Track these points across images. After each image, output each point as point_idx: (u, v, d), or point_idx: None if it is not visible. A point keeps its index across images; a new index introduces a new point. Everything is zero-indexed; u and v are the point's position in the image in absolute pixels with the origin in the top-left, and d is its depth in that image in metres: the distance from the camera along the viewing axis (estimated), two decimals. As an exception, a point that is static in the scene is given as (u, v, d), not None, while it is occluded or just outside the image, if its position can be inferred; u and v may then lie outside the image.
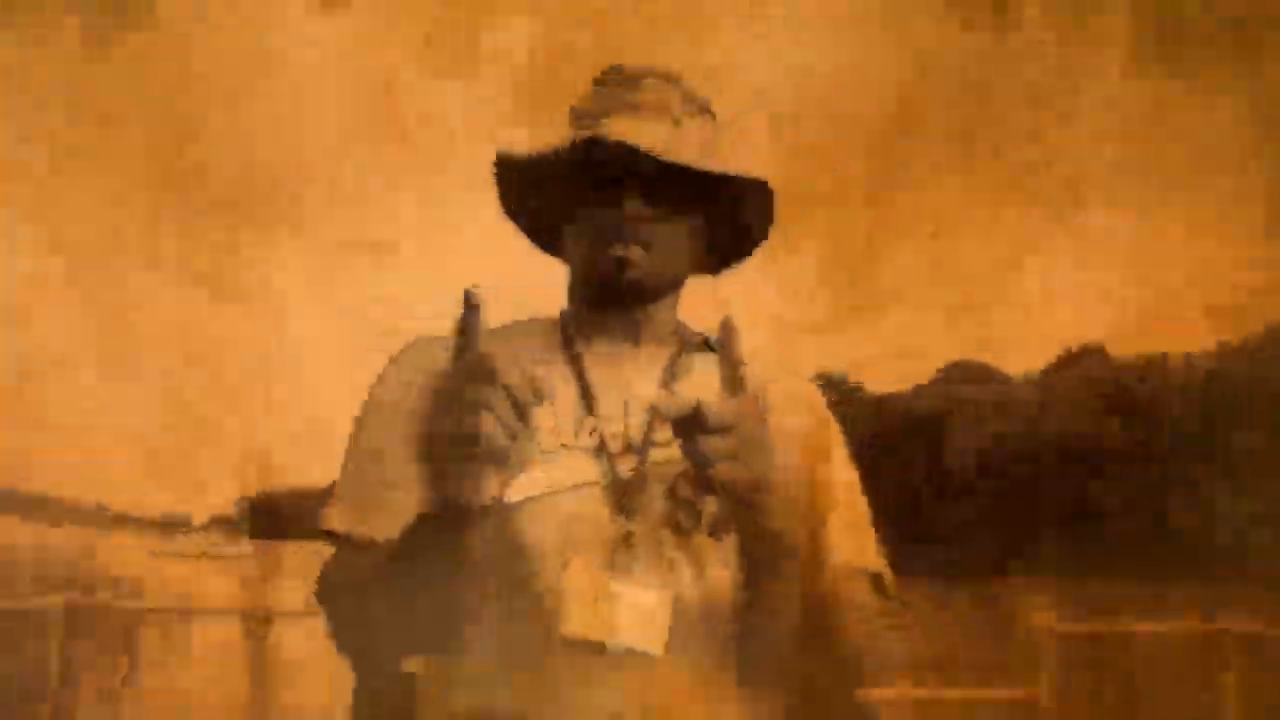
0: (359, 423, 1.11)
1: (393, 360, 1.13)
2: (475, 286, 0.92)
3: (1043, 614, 4.19)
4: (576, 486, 1.05)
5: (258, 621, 4.27)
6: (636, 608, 1.03)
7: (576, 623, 1.01)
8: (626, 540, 1.03)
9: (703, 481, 0.92)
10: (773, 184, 1.16)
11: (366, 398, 1.11)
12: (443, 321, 1.06)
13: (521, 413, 0.89)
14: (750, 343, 1.11)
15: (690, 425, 0.91)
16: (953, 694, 4.24)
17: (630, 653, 1.01)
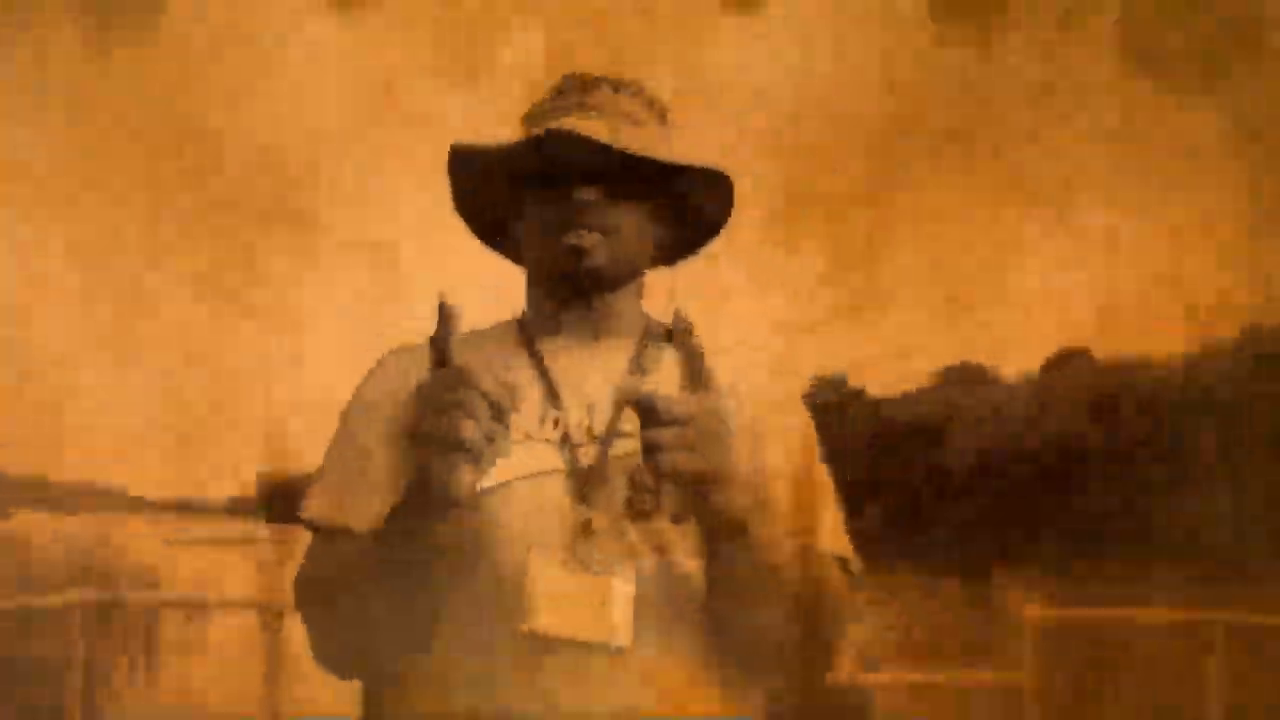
0: (343, 420, 1.13)
1: (378, 363, 1.15)
2: (448, 298, 0.93)
3: (1033, 605, 4.29)
4: (539, 474, 1.04)
5: (273, 614, 4.32)
6: (601, 600, 1.01)
7: (540, 618, 1.00)
8: (587, 528, 1.03)
9: (652, 470, 0.93)
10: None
11: (351, 398, 1.14)
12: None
13: (499, 416, 0.91)
14: (751, 343, 1.15)
15: (645, 415, 0.93)
16: (944, 678, 4.35)
17: (599, 647, 1.01)
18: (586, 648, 1.01)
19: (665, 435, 0.92)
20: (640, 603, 1.02)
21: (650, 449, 0.93)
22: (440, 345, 0.93)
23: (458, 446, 0.90)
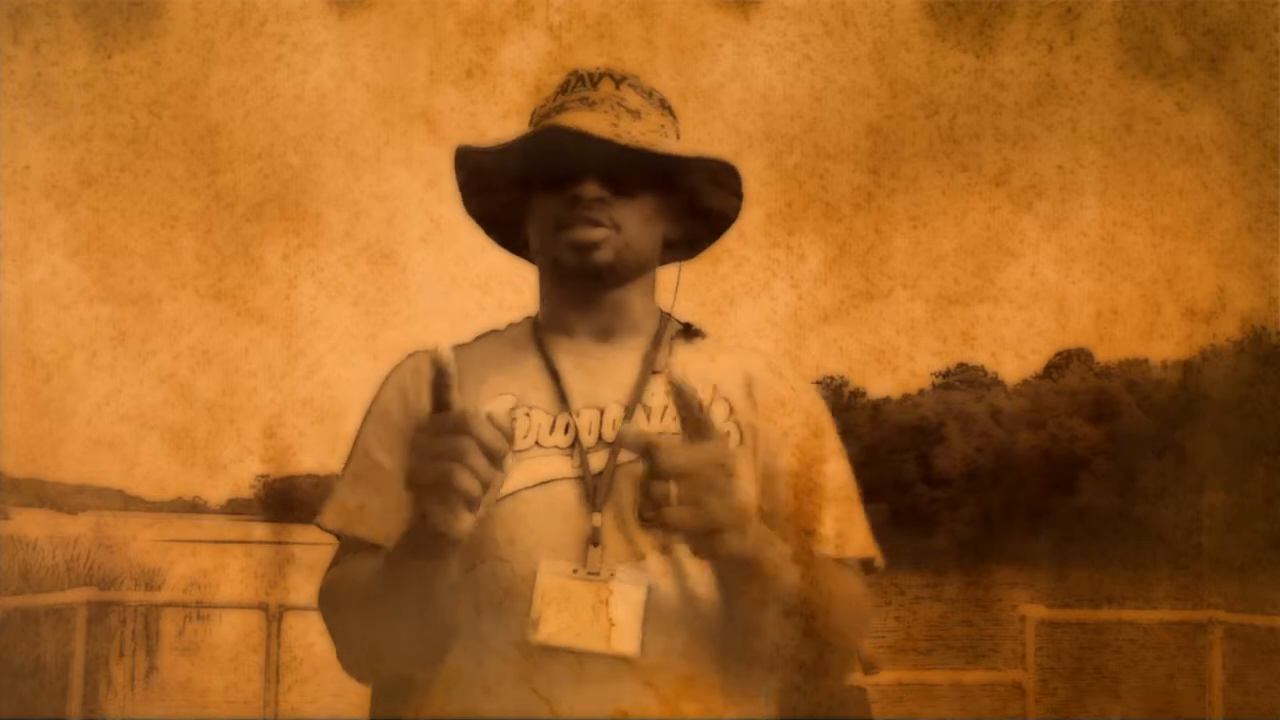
0: (360, 429, 1.14)
1: (391, 371, 1.16)
2: (442, 349, 0.92)
3: (1033, 605, 4.30)
4: (548, 482, 1.05)
5: (272, 614, 4.33)
6: (608, 611, 1.01)
7: (548, 629, 1.01)
8: (595, 535, 1.03)
9: (657, 521, 0.93)
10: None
11: (369, 408, 1.15)
12: (445, 321, 1.09)
13: (495, 461, 0.92)
14: (753, 344, 1.14)
15: (646, 465, 0.92)
16: (944, 678, 4.37)
17: (607, 657, 1.01)
18: (597, 659, 1.01)
19: (667, 490, 0.91)
20: (647, 609, 1.01)
21: (654, 502, 0.92)
22: (439, 391, 0.93)
23: (454, 493, 0.90)
